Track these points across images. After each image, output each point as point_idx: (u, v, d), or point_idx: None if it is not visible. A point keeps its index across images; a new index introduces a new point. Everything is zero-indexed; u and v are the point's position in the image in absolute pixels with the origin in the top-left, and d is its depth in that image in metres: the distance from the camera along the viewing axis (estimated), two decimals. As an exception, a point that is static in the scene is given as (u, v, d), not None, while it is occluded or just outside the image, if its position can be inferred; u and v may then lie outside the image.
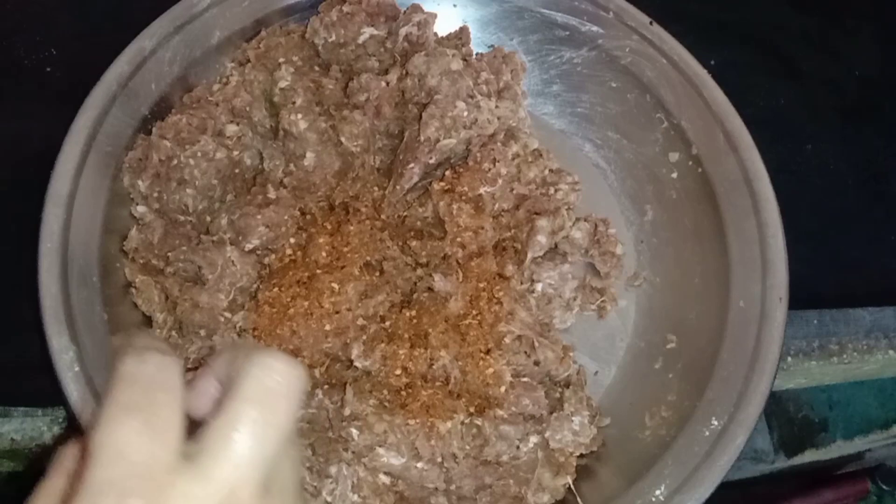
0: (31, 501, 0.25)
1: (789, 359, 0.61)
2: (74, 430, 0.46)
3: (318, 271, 0.48)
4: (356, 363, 0.47)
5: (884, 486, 0.82)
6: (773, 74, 0.77)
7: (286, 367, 0.26)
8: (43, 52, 0.65)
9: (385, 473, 0.45)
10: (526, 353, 0.50)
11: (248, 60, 0.56)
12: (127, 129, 0.51)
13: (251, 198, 0.51)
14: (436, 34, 0.58)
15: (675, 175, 0.57)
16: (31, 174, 0.47)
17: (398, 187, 0.52)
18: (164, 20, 0.53)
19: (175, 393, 0.25)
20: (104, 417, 0.24)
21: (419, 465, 0.45)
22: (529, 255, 0.52)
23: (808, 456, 0.68)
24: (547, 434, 0.48)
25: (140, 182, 0.50)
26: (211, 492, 0.23)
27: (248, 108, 0.54)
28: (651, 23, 0.57)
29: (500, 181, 0.53)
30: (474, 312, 0.49)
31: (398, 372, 0.47)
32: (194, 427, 0.25)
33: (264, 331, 0.47)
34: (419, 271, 0.51)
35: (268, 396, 0.25)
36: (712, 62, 0.57)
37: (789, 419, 0.68)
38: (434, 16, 0.57)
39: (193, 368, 0.45)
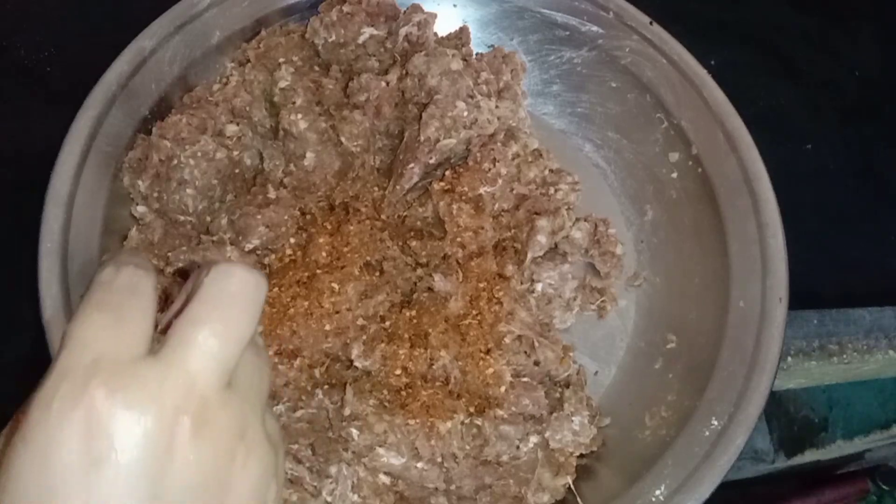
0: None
1: (789, 359, 0.61)
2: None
3: (318, 271, 0.48)
4: (356, 363, 0.47)
5: (884, 486, 0.82)
6: (773, 74, 0.77)
7: (245, 273, 0.27)
8: (43, 52, 0.65)
9: (385, 473, 0.45)
10: (526, 353, 0.50)
11: (248, 60, 0.56)
12: (127, 129, 0.51)
13: (251, 198, 0.51)
14: (436, 34, 0.58)
15: (675, 175, 0.57)
16: (31, 174, 0.47)
17: (398, 187, 0.52)
18: (164, 20, 0.53)
19: (145, 298, 0.26)
20: (77, 314, 0.25)
21: (419, 465, 0.45)
22: (529, 255, 0.52)
23: (808, 456, 0.68)
24: (547, 434, 0.48)
25: (140, 182, 0.50)
26: (171, 379, 0.24)
27: (248, 108, 0.54)
28: (651, 23, 0.57)
29: (500, 181, 0.53)
30: (474, 312, 0.49)
31: (398, 372, 0.47)
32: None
33: (264, 331, 0.47)
34: (419, 271, 0.51)
35: (227, 298, 0.26)
36: (712, 62, 0.57)
37: (789, 419, 0.68)
38: (434, 16, 0.57)
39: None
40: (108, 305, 0.26)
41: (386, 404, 0.46)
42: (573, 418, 0.48)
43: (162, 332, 0.27)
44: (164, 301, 0.31)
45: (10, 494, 0.23)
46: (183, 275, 0.47)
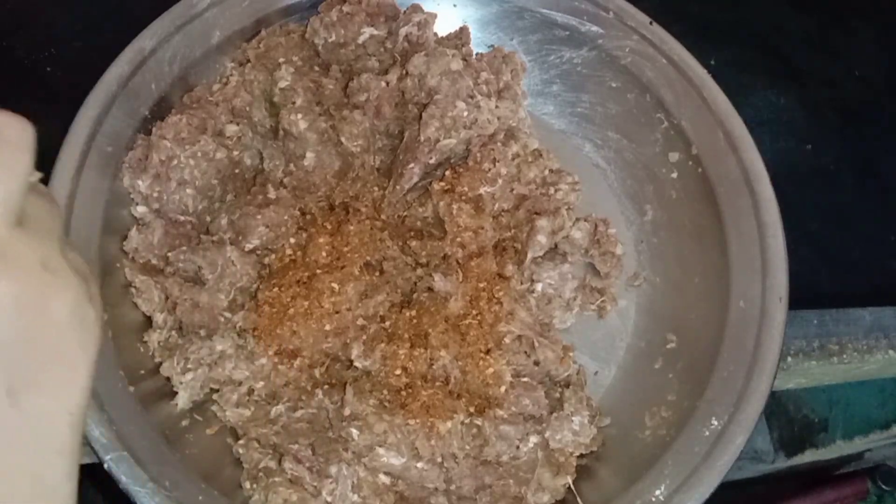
0: None
1: (789, 359, 0.61)
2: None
3: (318, 271, 0.48)
4: (356, 363, 0.47)
5: (884, 486, 0.82)
6: (773, 74, 0.77)
7: (7, 118, 0.29)
8: (43, 52, 0.65)
9: (385, 473, 0.45)
10: (526, 353, 0.50)
11: (248, 60, 0.56)
12: (127, 129, 0.51)
13: (251, 198, 0.51)
14: (436, 34, 0.58)
15: (675, 175, 0.57)
16: (31, 174, 0.47)
17: (398, 187, 0.52)
18: (164, 20, 0.53)
19: None
20: None
21: (419, 465, 0.45)
22: (529, 255, 0.52)
23: (808, 456, 0.68)
24: (547, 434, 0.48)
25: (140, 182, 0.50)
26: None
27: (248, 108, 0.54)
28: (651, 23, 0.57)
29: (500, 181, 0.53)
30: (474, 312, 0.49)
31: (398, 372, 0.47)
32: None
33: (264, 331, 0.47)
34: (419, 271, 0.51)
35: None
36: (712, 62, 0.57)
37: (789, 419, 0.68)
38: (434, 16, 0.57)
39: None
40: None
41: (386, 404, 0.46)
42: (573, 418, 0.48)
43: None
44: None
45: None
46: None
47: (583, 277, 0.55)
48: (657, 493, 0.44)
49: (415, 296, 0.50)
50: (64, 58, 0.65)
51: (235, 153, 0.53)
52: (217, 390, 0.48)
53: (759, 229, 0.50)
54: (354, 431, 0.44)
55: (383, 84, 0.54)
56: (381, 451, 0.44)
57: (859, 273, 0.69)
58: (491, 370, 0.48)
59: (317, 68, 0.57)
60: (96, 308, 0.29)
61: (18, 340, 0.26)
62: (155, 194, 0.50)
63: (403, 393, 0.46)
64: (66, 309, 0.27)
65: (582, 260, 0.55)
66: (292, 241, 0.50)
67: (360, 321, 0.48)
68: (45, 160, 0.47)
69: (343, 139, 0.53)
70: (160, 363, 0.47)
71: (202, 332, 0.48)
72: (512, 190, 0.54)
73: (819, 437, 0.68)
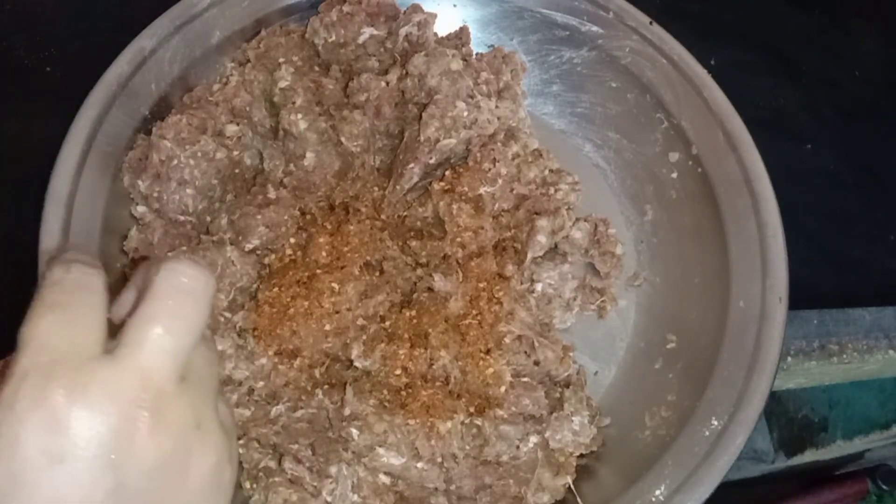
0: None
1: (789, 359, 0.61)
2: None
3: (318, 271, 0.48)
4: (356, 363, 0.47)
5: (884, 486, 0.82)
6: (773, 74, 0.77)
7: (193, 271, 0.28)
8: (43, 52, 0.65)
9: (385, 473, 0.45)
10: (526, 353, 0.50)
11: (248, 60, 0.56)
12: (127, 129, 0.51)
13: (251, 198, 0.51)
14: (436, 34, 0.58)
15: (675, 175, 0.57)
16: (31, 174, 0.47)
17: (398, 187, 0.52)
18: (164, 20, 0.53)
19: (97, 295, 0.27)
20: (30, 315, 0.26)
21: (419, 465, 0.45)
22: (529, 255, 0.52)
23: (808, 456, 0.68)
24: (547, 434, 0.48)
25: (140, 182, 0.50)
26: (128, 376, 0.25)
27: (248, 108, 0.54)
28: (651, 23, 0.57)
29: (500, 181, 0.53)
30: (474, 312, 0.49)
31: (398, 372, 0.47)
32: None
33: (264, 331, 0.47)
34: (419, 271, 0.51)
35: (176, 294, 0.27)
36: (712, 62, 0.57)
37: (789, 419, 0.68)
38: (434, 16, 0.57)
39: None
40: (60, 305, 0.26)
41: (386, 404, 0.46)
42: (573, 418, 0.48)
43: (118, 322, 0.28)
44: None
45: None
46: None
47: (583, 277, 0.55)
48: (657, 493, 0.44)
49: (415, 296, 0.50)
50: (64, 58, 0.65)
51: (235, 153, 0.53)
52: (217, 390, 0.48)
53: (759, 229, 0.50)
54: (354, 431, 0.44)
55: (383, 84, 0.54)
56: (381, 451, 0.44)
57: (859, 273, 0.69)
58: (491, 370, 0.48)
59: (317, 68, 0.57)
60: (234, 466, 0.29)
61: (155, 499, 0.26)
62: (155, 194, 0.50)
63: (403, 393, 0.46)
64: (206, 470, 0.27)
65: (582, 260, 0.55)
66: (292, 241, 0.50)
67: (360, 321, 0.48)
68: (45, 160, 0.47)
69: (343, 139, 0.53)
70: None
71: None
72: (512, 190, 0.54)
73: (819, 437, 0.68)
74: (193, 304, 0.28)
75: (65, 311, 0.26)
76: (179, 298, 0.27)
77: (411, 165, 0.51)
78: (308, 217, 0.52)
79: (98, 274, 0.28)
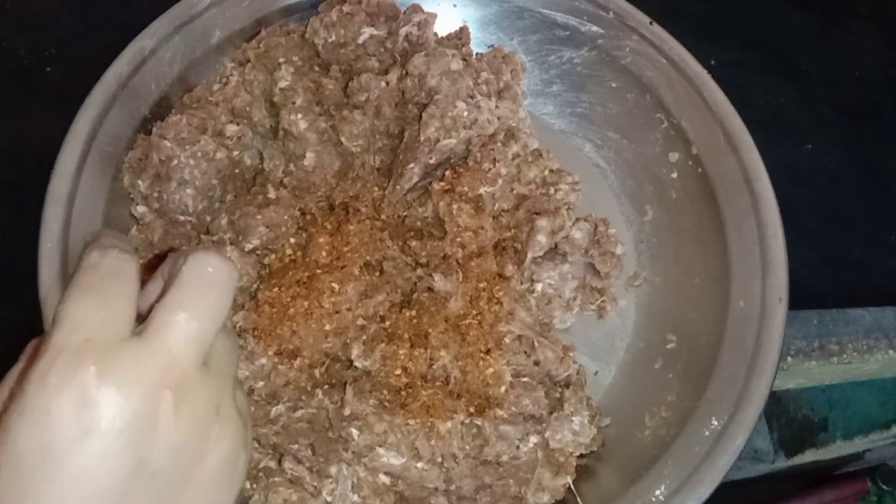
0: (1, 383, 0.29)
1: (789, 359, 0.61)
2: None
3: (318, 271, 0.48)
4: (356, 363, 0.47)
5: (884, 486, 0.82)
6: (773, 74, 0.77)
7: (219, 261, 0.29)
8: (43, 52, 0.65)
9: (385, 473, 0.45)
10: (526, 353, 0.50)
11: (248, 60, 0.56)
12: (127, 129, 0.51)
13: (251, 198, 0.51)
14: (436, 34, 0.58)
15: (675, 175, 0.57)
16: (31, 174, 0.47)
17: (398, 187, 0.52)
18: (164, 20, 0.53)
19: (130, 282, 0.29)
20: (66, 296, 0.27)
21: (419, 465, 0.45)
22: (529, 255, 0.52)
23: (808, 456, 0.68)
24: (547, 434, 0.48)
25: (140, 182, 0.50)
26: (155, 359, 0.27)
27: (248, 108, 0.54)
28: (651, 23, 0.57)
29: (500, 181, 0.53)
30: (474, 312, 0.49)
31: (398, 372, 0.47)
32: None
33: (264, 331, 0.47)
34: (419, 271, 0.51)
35: (202, 282, 0.29)
36: (712, 62, 0.57)
37: (789, 419, 0.68)
38: (434, 16, 0.57)
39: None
40: (95, 288, 0.28)
41: (386, 404, 0.46)
42: (573, 418, 0.48)
43: (142, 312, 0.29)
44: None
45: (7, 459, 0.25)
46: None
47: (583, 277, 0.55)
48: (657, 493, 0.44)
49: (415, 296, 0.50)
50: (64, 58, 0.65)
51: (235, 153, 0.53)
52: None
53: (759, 229, 0.50)
54: (354, 431, 0.44)
55: (383, 84, 0.54)
56: (381, 451, 0.44)
57: (859, 273, 0.69)
58: (491, 370, 0.48)
59: (317, 68, 0.57)
60: (248, 453, 0.30)
61: (175, 479, 0.27)
62: (155, 194, 0.50)
63: (403, 393, 0.46)
64: (223, 454, 0.28)
65: (582, 260, 0.55)
66: (292, 241, 0.50)
67: (360, 321, 0.48)
68: (45, 160, 0.47)
69: (343, 139, 0.53)
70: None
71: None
72: (512, 190, 0.54)
73: (819, 437, 0.69)
74: (218, 293, 0.29)
75: (99, 294, 0.28)
76: (205, 287, 0.29)
77: (411, 165, 0.51)
78: (308, 217, 0.52)
79: (133, 260, 0.30)
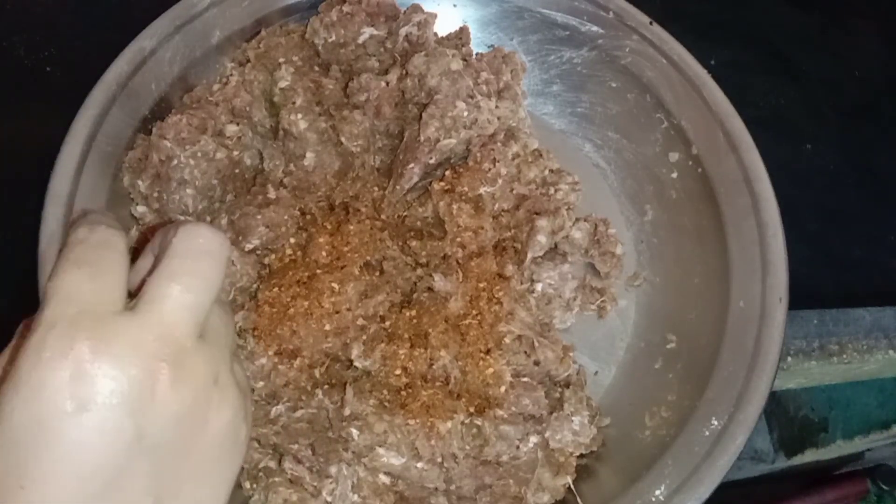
0: None
1: (789, 359, 0.61)
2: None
3: (318, 271, 0.48)
4: (356, 363, 0.47)
5: (884, 486, 0.82)
6: (773, 74, 0.77)
7: (210, 232, 0.29)
8: (43, 52, 0.65)
9: (385, 473, 0.45)
10: (526, 353, 0.50)
11: (248, 60, 0.56)
12: (127, 129, 0.51)
13: (251, 198, 0.51)
14: (436, 34, 0.58)
15: (675, 175, 0.57)
16: (31, 174, 0.47)
17: (398, 187, 0.52)
18: (164, 20, 0.53)
19: (120, 255, 0.29)
20: (55, 270, 0.27)
21: (419, 465, 0.45)
22: (529, 255, 0.52)
23: (808, 456, 0.68)
24: (547, 434, 0.48)
25: (140, 182, 0.50)
26: (150, 330, 0.26)
27: (248, 108, 0.54)
28: (651, 23, 0.57)
29: (500, 181, 0.53)
30: (474, 312, 0.49)
31: (398, 372, 0.47)
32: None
33: (264, 331, 0.47)
34: (419, 271, 0.51)
35: (194, 253, 0.28)
36: (712, 62, 0.57)
37: (789, 419, 0.68)
38: (434, 16, 0.57)
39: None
40: (86, 261, 0.27)
41: (386, 404, 0.46)
42: (573, 418, 0.48)
43: (133, 288, 0.29)
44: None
45: (2, 435, 0.25)
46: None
47: (583, 277, 0.55)
48: (657, 493, 0.44)
49: (415, 296, 0.50)
50: (64, 58, 0.65)
51: (235, 153, 0.53)
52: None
53: (759, 229, 0.50)
54: (354, 431, 0.44)
55: (383, 84, 0.54)
56: (381, 451, 0.44)
57: (859, 273, 0.69)
58: (491, 370, 0.48)
59: (317, 68, 0.57)
60: (248, 425, 0.30)
61: (175, 451, 0.27)
62: (155, 194, 0.50)
63: (403, 393, 0.46)
64: (223, 425, 0.28)
65: (582, 260, 0.55)
66: (292, 241, 0.50)
67: (360, 321, 0.48)
68: (45, 160, 0.47)
69: (343, 139, 0.53)
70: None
71: (202, 332, 0.48)
72: (512, 190, 0.54)
73: (819, 437, 0.69)
74: (211, 263, 0.29)
75: (90, 267, 0.27)
76: (198, 258, 0.28)
77: (411, 165, 0.51)
78: (308, 217, 0.52)
79: (120, 235, 0.29)
